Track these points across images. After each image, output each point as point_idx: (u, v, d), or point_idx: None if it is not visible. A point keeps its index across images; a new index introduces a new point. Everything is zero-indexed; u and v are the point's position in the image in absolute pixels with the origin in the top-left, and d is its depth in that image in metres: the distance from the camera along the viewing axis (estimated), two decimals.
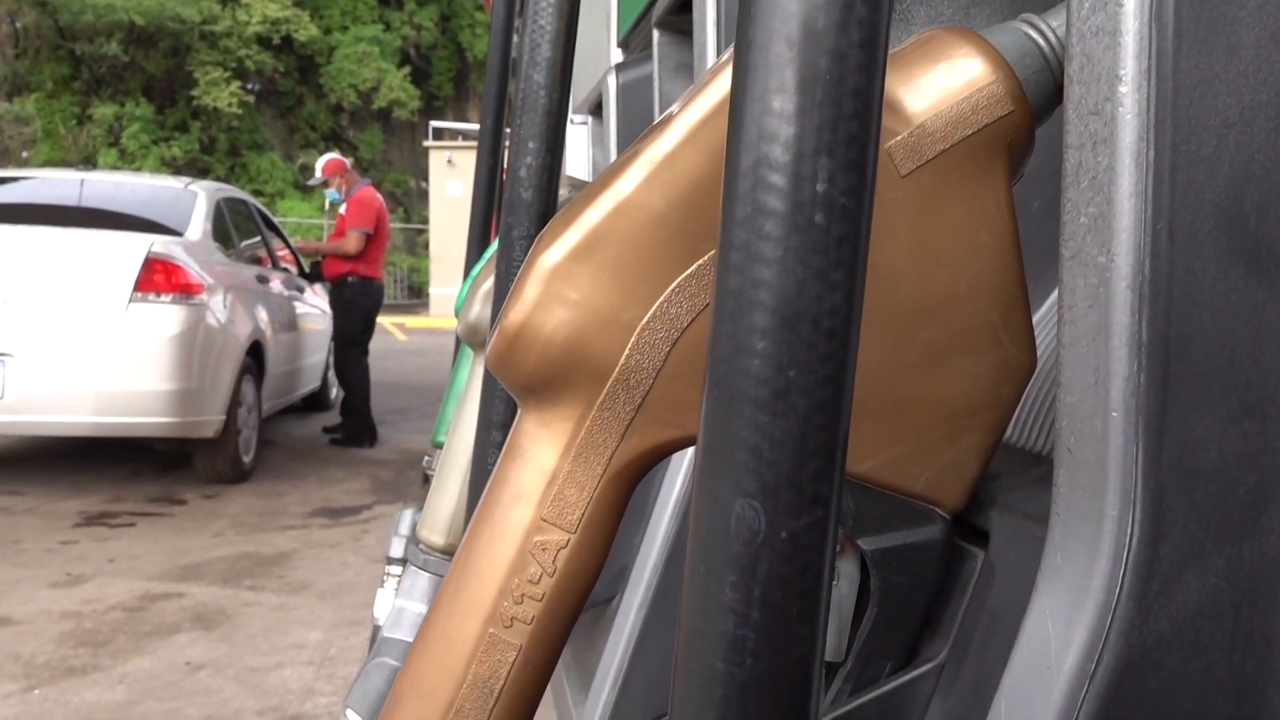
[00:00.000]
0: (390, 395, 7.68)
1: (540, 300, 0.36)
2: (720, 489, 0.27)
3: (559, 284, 0.36)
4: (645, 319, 0.36)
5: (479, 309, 0.81)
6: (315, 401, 8.09)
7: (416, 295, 23.55)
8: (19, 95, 22.59)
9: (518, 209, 0.77)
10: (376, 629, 1.36)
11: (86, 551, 4.51)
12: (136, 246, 5.26)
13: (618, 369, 0.36)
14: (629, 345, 0.36)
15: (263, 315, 6.22)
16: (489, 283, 0.82)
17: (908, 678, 0.37)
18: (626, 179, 0.36)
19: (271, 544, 4.73)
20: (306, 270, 7.59)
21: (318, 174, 7.04)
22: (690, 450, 0.90)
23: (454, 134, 21.08)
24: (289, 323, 6.91)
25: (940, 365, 0.37)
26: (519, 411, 0.39)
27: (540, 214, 0.77)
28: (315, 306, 7.49)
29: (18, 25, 22.83)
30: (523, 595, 0.37)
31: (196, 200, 6.04)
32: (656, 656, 0.82)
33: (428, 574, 0.82)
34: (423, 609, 0.82)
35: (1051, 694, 0.31)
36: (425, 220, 21.97)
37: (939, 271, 0.37)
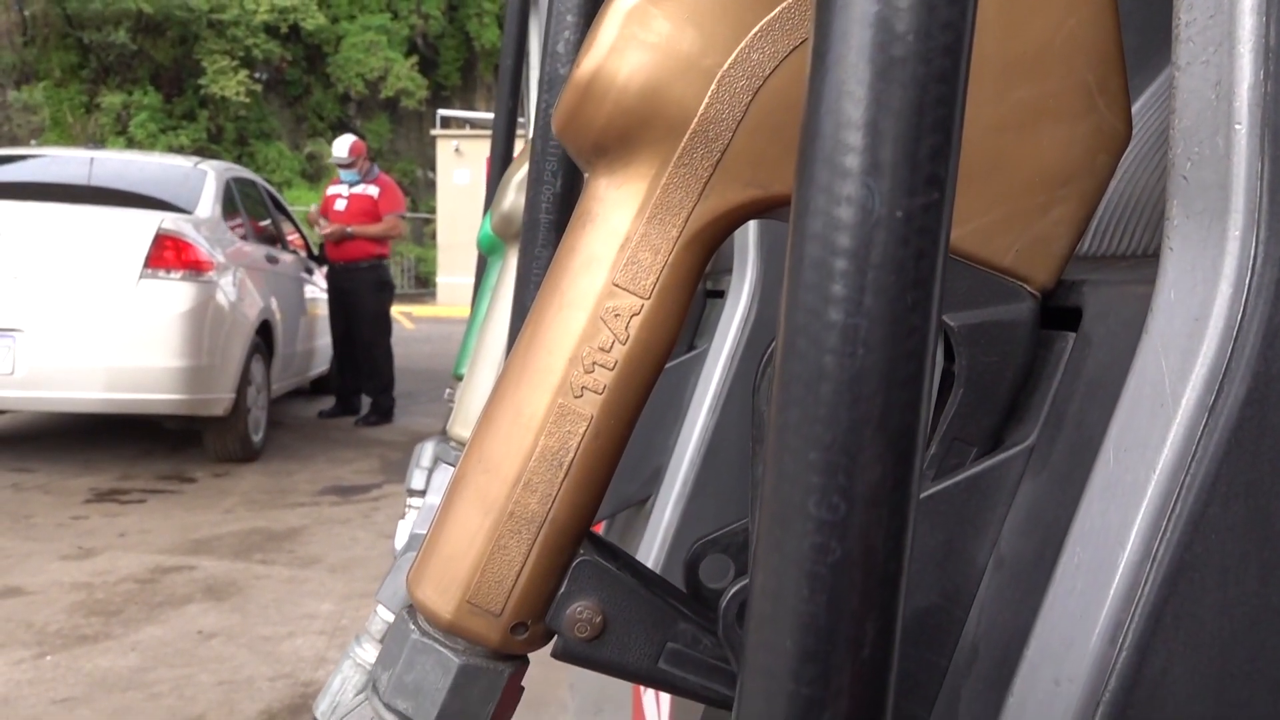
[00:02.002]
0: (400, 380, 7.67)
1: (616, 44, 0.34)
2: (829, 174, 0.25)
3: (635, 26, 0.34)
4: (726, 65, 0.34)
5: (513, 198, 0.80)
6: (324, 385, 8.09)
7: (424, 285, 23.55)
8: (27, 83, 22.59)
9: (555, 86, 0.75)
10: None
11: (97, 526, 4.51)
12: (147, 223, 5.25)
13: (696, 119, 0.34)
14: (709, 94, 0.34)
15: (272, 295, 6.21)
16: (522, 171, 0.80)
17: (996, 460, 0.36)
18: None
19: (282, 520, 4.73)
20: (315, 253, 7.58)
21: (345, 153, 6.98)
22: (727, 349, 0.89)
23: (461, 123, 21.07)
24: (299, 304, 6.91)
25: (1032, 128, 0.35)
26: (586, 179, 0.37)
27: None
28: (325, 290, 7.47)
29: (26, 13, 22.84)
30: (594, 364, 0.35)
31: (206, 179, 6.03)
32: None
33: None
34: None
35: (1168, 432, 0.29)
36: (432, 210, 21.97)
37: (1032, 24, 0.35)
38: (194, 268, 5.27)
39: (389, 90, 25.43)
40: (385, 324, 7.30)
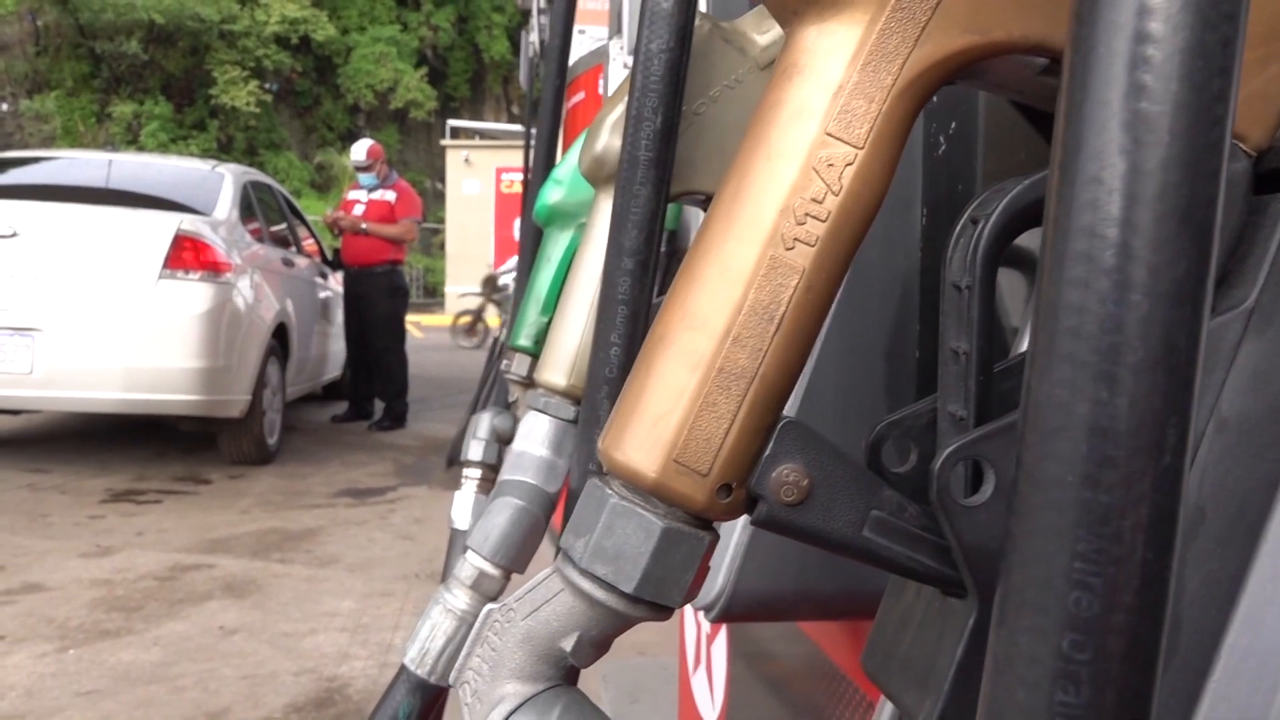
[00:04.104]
0: (411, 387, 7.66)
1: None
2: None
3: None
4: None
5: (607, 139, 0.78)
6: (336, 390, 8.09)
7: (432, 295, 23.58)
8: (39, 93, 22.70)
9: (657, 20, 0.74)
10: (455, 532, 1.34)
11: (114, 525, 4.50)
12: (166, 224, 5.25)
13: None
14: None
15: (288, 298, 6.21)
16: (618, 110, 0.79)
17: (1213, 323, 0.35)
18: None
19: (298, 521, 4.72)
20: (329, 258, 7.59)
21: (362, 157, 7.02)
22: None
23: (471, 133, 21.12)
24: (313, 308, 6.91)
25: None
26: (788, 33, 0.36)
27: (680, 26, 0.74)
28: (339, 295, 7.48)
29: (39, 23, 22.96)
30: (806, 215, 0.34)
31: (224, 182, 6.04)
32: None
33: (548, 417, 0.79)
34: (544, 452, 0.79)
35: None
36: (441, 220, 22.00)
37: None
38: (212, 269, 5.27)
39: (398, 101, 25.54)
40: (400, 329, 7.31)
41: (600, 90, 3.50)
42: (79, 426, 6.71)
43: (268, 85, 24.72)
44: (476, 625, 0.36)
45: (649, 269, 0.75)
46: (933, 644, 0.36)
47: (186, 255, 5.20)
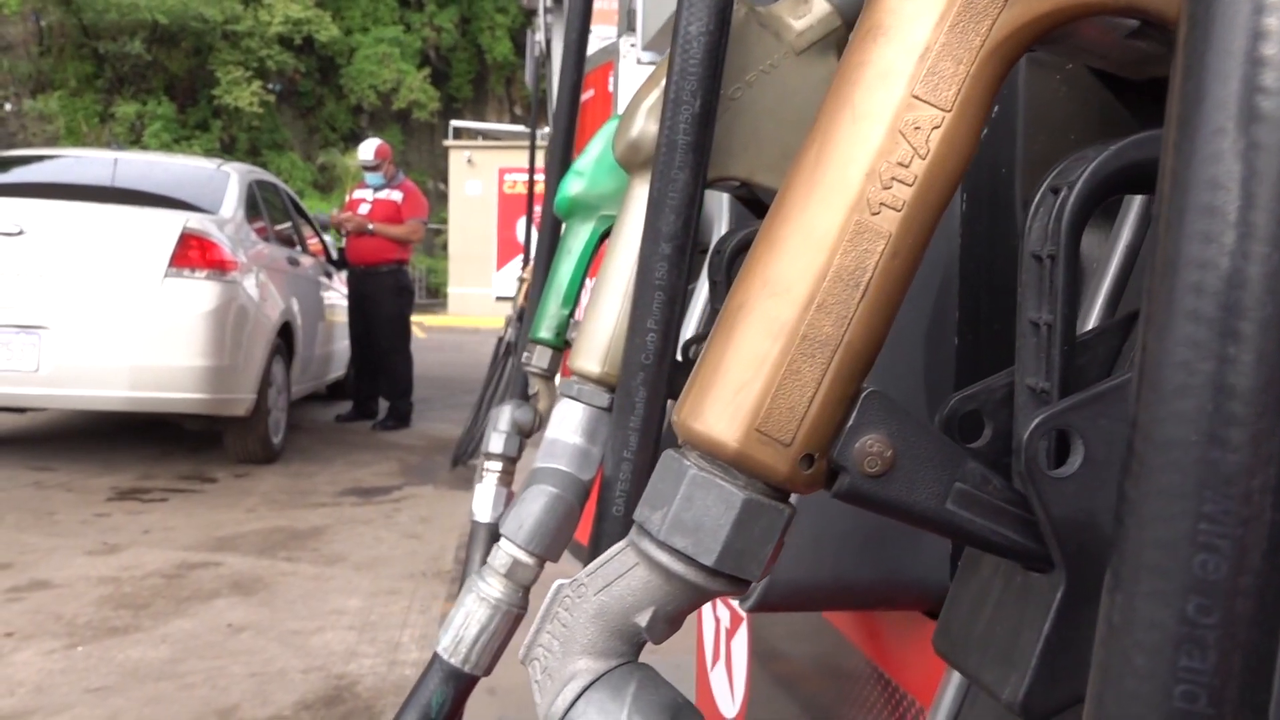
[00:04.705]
0: (415, 386, 7.66)
1: None
2: None
3: None
4: None
5: (642, 124, 0.78)
6: (340, 390, 8.08)
7: (434, 295, 23.58)
8: (42, 93, 22.71)
9: (696, 3, 0.74)
10: (475, 525, 1.33)
11: (121, 523, 4.49)
12: (172, 222, 5.25)
13: None
14: None
15: (293, 297, 6.21)
16: (653, 95, 0.78)
17: None
18: None
19: (304, 519, 4.71)
20: (334, 258, 7.58)
21: (370, 156, 7.01)
22: None
23: (474, 134, 21.12)
24: (318, 307, 6.90)
25: None
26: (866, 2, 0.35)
27: (719, 9, 0.74)
28: (343, 294, 7.48)
29: (42, 23, 22.98)
30: (892, 179, 0.33)
31: (229, 181, 6.04)
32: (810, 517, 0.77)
33: (582, 404, 0.78)
34: (578, 440, 0.78)
35: None
36: (444, 221, 22.00)
37: None
38: (218, 267, 5.27)
39: (401, 102, 25.54)
40: (405, 329, 7.30)
41: (610, 88, 3.50)
42: (85, 425, 6.71)
43: (271, 86, 24.73)
44: (545, 601, 0.35)
45: (686, 254, 0.74)
46: (1014, 620, 0.35)
47: (192, 254, 5.20)
